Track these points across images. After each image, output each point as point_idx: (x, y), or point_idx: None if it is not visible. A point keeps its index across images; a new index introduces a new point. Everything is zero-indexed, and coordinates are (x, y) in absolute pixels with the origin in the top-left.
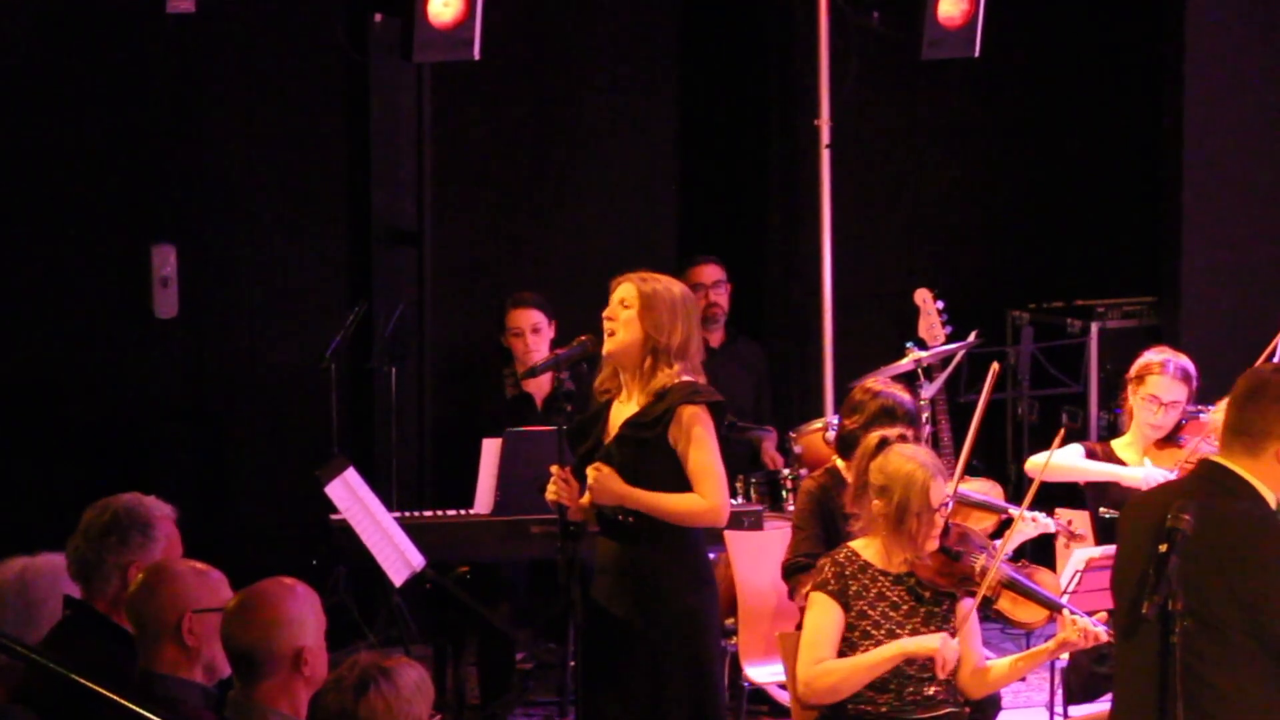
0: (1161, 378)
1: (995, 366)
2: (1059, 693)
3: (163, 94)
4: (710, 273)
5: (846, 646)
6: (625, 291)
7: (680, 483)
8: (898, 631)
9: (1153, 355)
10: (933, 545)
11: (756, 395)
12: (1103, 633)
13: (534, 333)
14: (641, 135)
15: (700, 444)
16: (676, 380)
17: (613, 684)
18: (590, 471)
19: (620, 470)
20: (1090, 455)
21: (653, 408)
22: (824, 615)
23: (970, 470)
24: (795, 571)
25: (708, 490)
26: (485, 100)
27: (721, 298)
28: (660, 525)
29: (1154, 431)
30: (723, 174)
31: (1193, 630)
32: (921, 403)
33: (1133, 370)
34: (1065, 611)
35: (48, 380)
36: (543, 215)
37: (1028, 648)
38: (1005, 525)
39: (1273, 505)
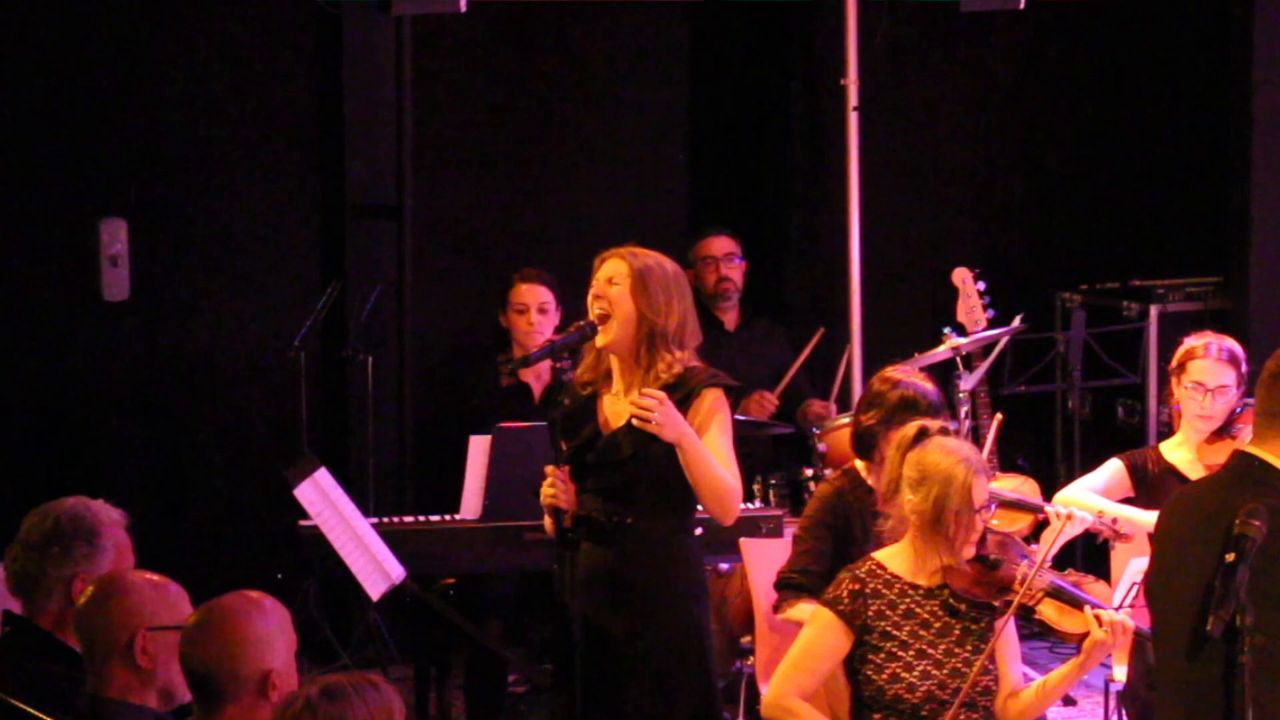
0: (1204, 361)
1: (999, 418)
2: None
3: (111, 51)
4: (721, 244)
5: (872, 670)
6: (613, 267)
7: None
8: (929, 651)
9: (1193, 340)
10: (969, 552)
11: (776, 384)
12: (1132, 623)
13: (541, 313)
14: (648, 96)
15: (723, 429)
16: (684, 367)
17: (611, 707)
18: (645, 399)
19: (632, 457)
20: (1134, 468)
21: (668, 393)
22: (823, 637)
23: (1016, 470)
24: (787, 587)
25: (732, 474)
26: (472, 58)
27: (735, 272)
28: (655, 529)
29: (1204, 424)
30: (739, 140)
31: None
32: (960, 395)
33: (1174, 360)
34: (1087, 608)
35: None
36: (537, 187)
37: None
38: (1042, 528)
39: None
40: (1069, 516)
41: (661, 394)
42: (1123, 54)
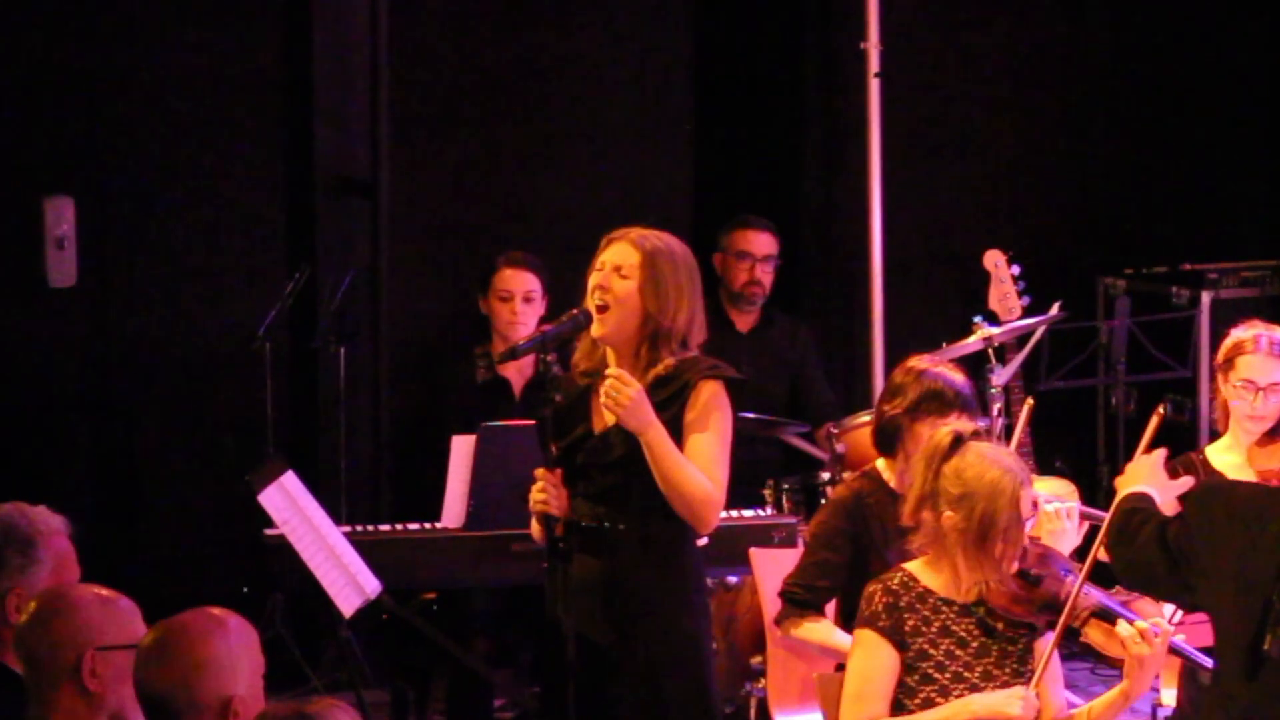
0: (1254, 356)
1: (1030, 402)
2: None
3: (57, 14)
4: (763, 243)
5: (904, 694)
6: (621, 255)
7: None
8: (965, 674)
9: (1240, 332)
10: (1014, 568)
11: (791, 391)
12: (1170, 629)
13: (526, 301)
14: (649, 64)
15: (715, 427)
16: (679, 359)
17: None
18: (611, 379)
19: (625, 458)
20: (1176, 474)
21: (660, 388)
22: (873, 659)
23: (1052, 472)
24: (791, 602)
25: (713, 479)
26: (455, 19)
27: (768, 277)
28: (651, 536)
29: (1254, 425)
30: (748, 110)
31: None
32: (993, 390)
33: (1220, 355)
34: (1121, 622)
35: None
36: (526, 161)
37: None
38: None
39: None
40: (1067, 513)
41: (635, 382)
42: (1175, 15)
